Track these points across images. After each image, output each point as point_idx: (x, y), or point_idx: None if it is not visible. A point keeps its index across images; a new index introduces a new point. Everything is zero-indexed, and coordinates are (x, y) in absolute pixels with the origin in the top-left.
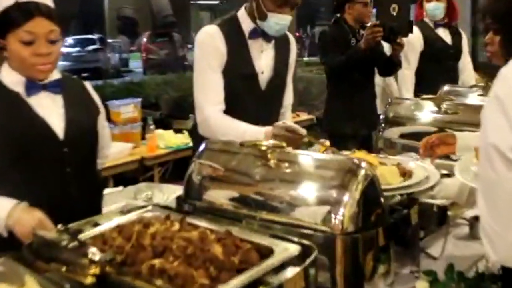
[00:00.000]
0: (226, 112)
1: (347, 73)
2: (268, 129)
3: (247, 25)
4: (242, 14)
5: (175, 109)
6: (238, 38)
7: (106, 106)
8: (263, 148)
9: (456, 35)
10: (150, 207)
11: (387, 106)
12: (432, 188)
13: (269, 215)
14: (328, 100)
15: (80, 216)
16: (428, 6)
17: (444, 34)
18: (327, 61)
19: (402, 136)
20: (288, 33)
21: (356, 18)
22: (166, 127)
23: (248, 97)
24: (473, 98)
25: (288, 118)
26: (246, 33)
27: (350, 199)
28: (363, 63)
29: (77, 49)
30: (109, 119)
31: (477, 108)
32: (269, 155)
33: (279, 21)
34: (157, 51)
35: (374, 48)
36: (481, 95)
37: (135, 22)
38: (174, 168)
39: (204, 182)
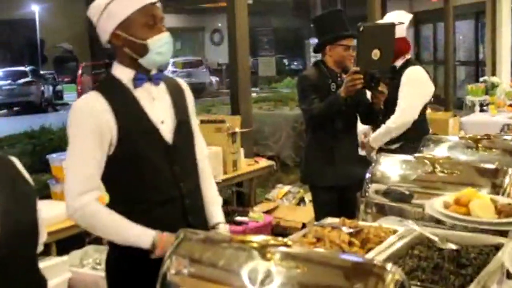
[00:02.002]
0: (138, 179)
1: (327, 121)
2: (161, 237)
3: (126, 75)
4: (117, 70)
5: None
6: (122, 94)
7: (46, 161)
8: (260, 244)
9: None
10: None
11: (373, 164)
12: None
13: None
14: (307, 149)
15: None
16: None
17: None
18: (306, 108)
19: (390, 197)
20: (178, 78)
21: (337, 61)
22: None
23: (155, 156)
24: (462, 153)
25: (207, 173)
26: (129, 85)
27: None
28: (344, 110)
29: (7, 82)
30: (50, 174)
31: (477, 168)
32: (268, 254)
33: (162, 41)
34: None
35: (357, 94)
36: (469, 148)
37: (74, 56)
38: None
39: (184, 283)
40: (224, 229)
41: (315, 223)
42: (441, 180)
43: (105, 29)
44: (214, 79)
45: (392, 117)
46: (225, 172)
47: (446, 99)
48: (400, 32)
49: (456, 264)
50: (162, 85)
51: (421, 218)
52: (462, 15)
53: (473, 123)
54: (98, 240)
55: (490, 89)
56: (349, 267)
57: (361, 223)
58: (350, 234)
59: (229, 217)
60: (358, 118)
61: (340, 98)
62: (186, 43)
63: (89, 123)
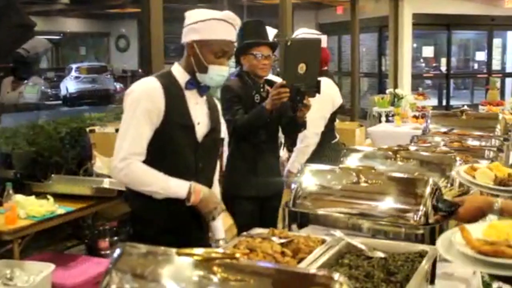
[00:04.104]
0: (167, 163)
1: (250, 133)
2: (195, 186)
3: (182, 77)
4: (176, 69)
5: (31, 168)
6: (175, 90)
7: None
8: (205, 257)
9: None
10: None
11: (298, 174)
12: None
13: None
14: (230, 159)
15: None
16: None
17: None
18: (229, 119)
19: (316, 207)
20: (215, 98)
21: (249, 70)
22: (23, 190)
23: (186, 148)
24: (382, 164)
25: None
26: (182, 85)
27: None
28: (268, 122)
29: None
30: None
31: (399, 178)
32: (214, 267)
33: (220, 72)
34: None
35: (281, 106)
36: (388, 158)
37: None
38: (36, 237)
39: None
40: (224, 245)
41: (244, 233)
42: (365, 190)
43: (187, 36)
44: (118, 86)
45: (299, 135)
46: None
47: (352, 109)
48: None
49: (386, 272)
50: (204, 97)
51: (346, 227)
52: (366, 28)
53: (379, 133)
54: (8, 253)
55: (395, 100)
56: (297, 279)
57: (290, 233)
58: (282, 244)
59: None
60: (280, 129)
61: (266, 110)
62: (91, 48)
63: (145, 102)
